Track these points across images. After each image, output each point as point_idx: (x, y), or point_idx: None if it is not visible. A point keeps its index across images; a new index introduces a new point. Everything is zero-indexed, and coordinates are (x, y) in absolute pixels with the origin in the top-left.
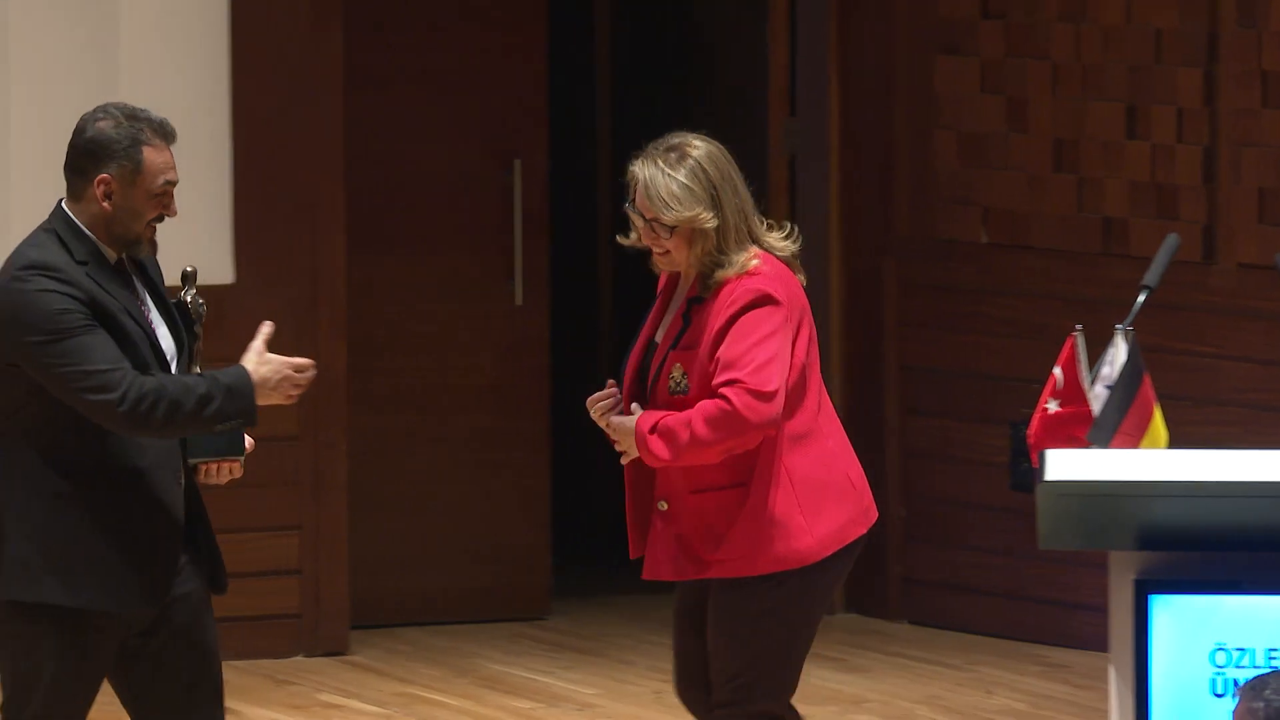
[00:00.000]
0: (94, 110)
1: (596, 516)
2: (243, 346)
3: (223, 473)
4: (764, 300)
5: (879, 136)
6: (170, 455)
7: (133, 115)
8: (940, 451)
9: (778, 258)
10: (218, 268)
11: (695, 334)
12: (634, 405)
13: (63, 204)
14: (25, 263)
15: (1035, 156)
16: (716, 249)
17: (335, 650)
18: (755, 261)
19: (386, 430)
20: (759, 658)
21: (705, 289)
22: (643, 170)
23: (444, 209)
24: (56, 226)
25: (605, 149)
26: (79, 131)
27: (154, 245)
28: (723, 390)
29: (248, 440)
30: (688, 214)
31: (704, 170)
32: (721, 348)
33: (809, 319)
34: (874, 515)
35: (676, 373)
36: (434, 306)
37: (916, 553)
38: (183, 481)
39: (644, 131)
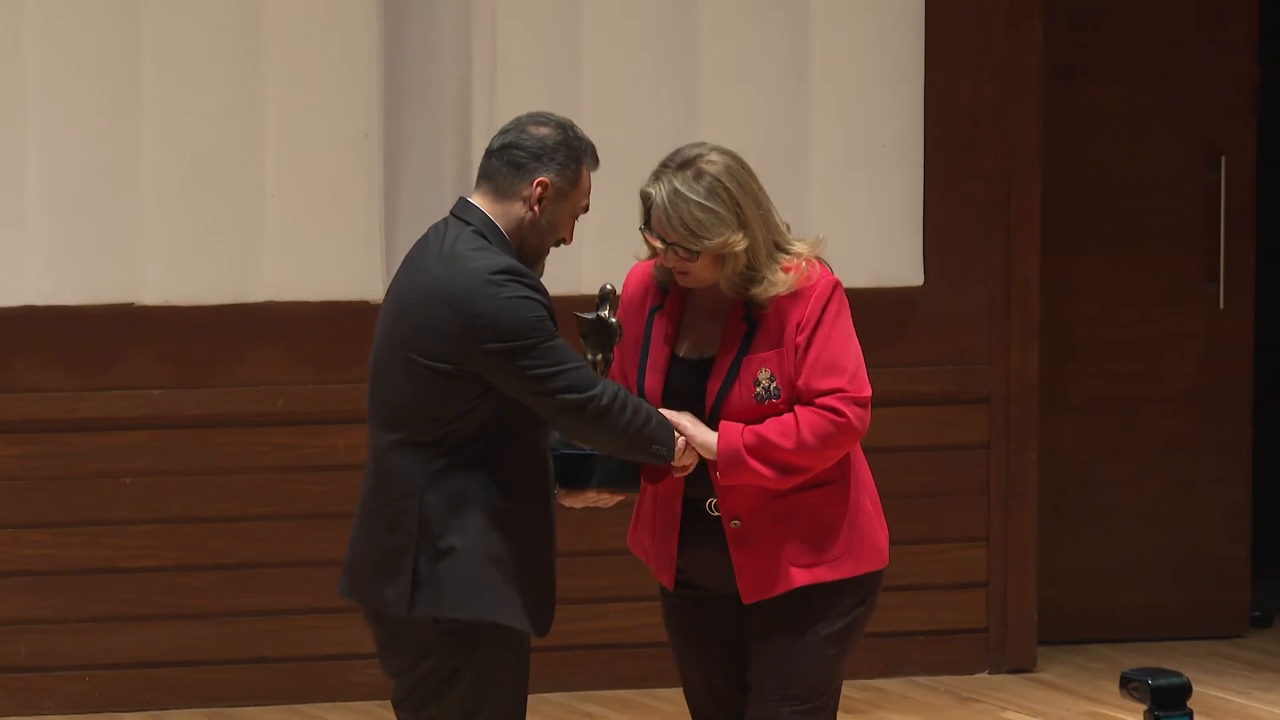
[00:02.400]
0: (529, 115)
1: None
2: (931, 351)
3: (602, 499)
4: (839, 291)
5: None
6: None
7: (574, 128)
8: None
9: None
10: (906, 269)
11: (772, 334)
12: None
13: (474, 204)
14: (496, 267)
15: None
16: (747, 267)
17: (1022, 667)
18: (801, 260)
19: (1079, 437)
20: (832, 673)
21: (756, 305)
22: (658, 190)
23: (1143, 208)
24: (482, 228)
25: None
26: (517, 129)
27: (542, 271)
28: (829, 401)
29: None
30: (716, 240)
31: (724, 187)
32: (815, 347)
33: None
34: None
35: (764, 377)
36: (1131, 309)
37: None
38: None
39: None
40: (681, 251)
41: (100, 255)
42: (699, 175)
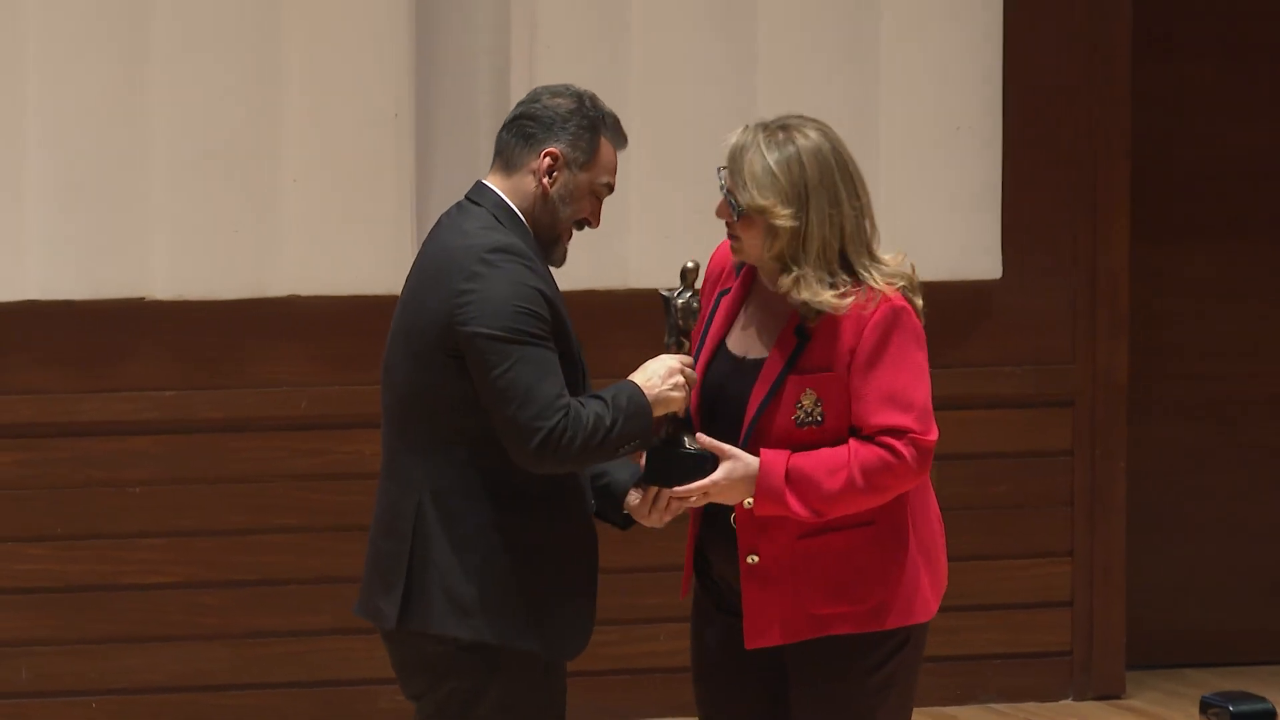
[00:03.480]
0: (546, 86)
1: None
2: (1010, 349)
3: (674, 504)
4: (909, 320)
5: None
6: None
7: (595, 101)
8: None
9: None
10: (983, 260)
11: (820, 355)
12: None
13: (488, 185)
14: (494, 245)
15: None
16: (789, 257)
17: (1109, 693)
18: (853, 298)
19: (1173, 444)
20: None
21: (807, 319)
22: (740, 137)
23: (1244, 194)
24: (493, 210)
25: None
26: (531, 100)
27: (565, 255)
28: (892, 441)
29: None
30: (761, 201)
31: (800, 164)
32: (877, 377)
33: None
34: None
35: (808, 401)
36: (1231, 304)
37: None
38: None
39: None
40: (730, 202)
41: (106, 245)
42: (785, 141)
